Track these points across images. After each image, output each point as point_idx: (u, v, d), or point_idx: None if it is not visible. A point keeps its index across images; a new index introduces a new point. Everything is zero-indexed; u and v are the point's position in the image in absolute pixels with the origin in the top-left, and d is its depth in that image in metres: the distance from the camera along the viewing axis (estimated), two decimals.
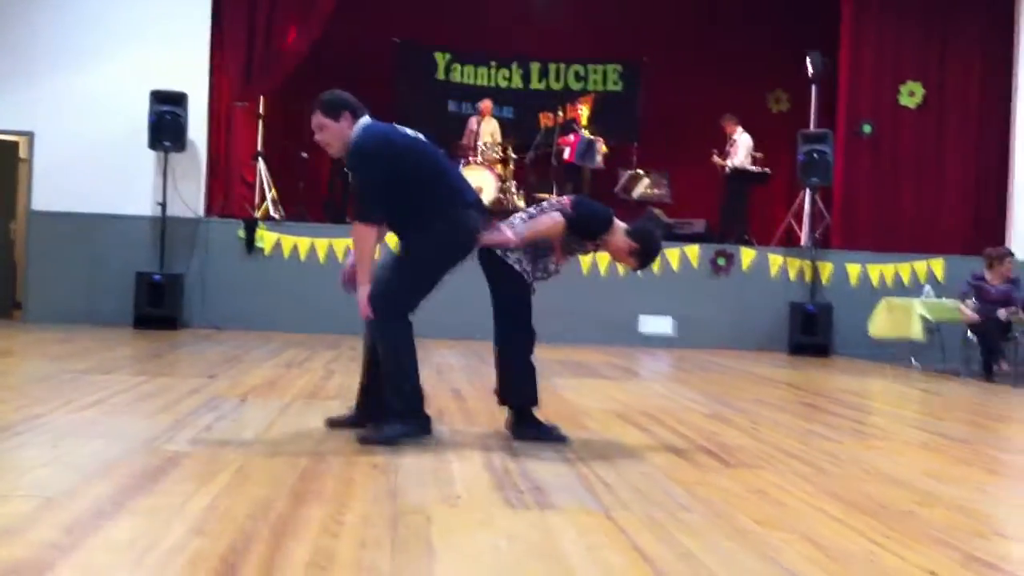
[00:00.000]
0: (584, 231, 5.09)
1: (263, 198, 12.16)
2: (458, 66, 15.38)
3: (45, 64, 11.42)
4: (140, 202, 11.37)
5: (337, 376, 7.54)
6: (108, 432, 4.87)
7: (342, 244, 11.29)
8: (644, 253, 5.11)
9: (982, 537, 3.70)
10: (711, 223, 13.00)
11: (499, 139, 13.28)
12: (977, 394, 8.78)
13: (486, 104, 13.57)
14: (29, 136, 11.60)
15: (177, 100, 11.19)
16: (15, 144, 12.19)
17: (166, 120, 11.09)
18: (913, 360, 10.56)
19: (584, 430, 5.56)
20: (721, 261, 11.88)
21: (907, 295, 11.25)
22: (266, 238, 11.49)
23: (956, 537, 3.60)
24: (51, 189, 11.34)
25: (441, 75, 15.32)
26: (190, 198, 11.47)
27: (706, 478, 4.43)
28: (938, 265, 12.10)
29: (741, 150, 12.72)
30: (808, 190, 12.41)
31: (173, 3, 11.68)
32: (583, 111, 13.61)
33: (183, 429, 4.97)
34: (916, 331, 10.27)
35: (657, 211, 12.81)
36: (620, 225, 5.12)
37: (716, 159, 12.80)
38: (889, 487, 4.39)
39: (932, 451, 5.49)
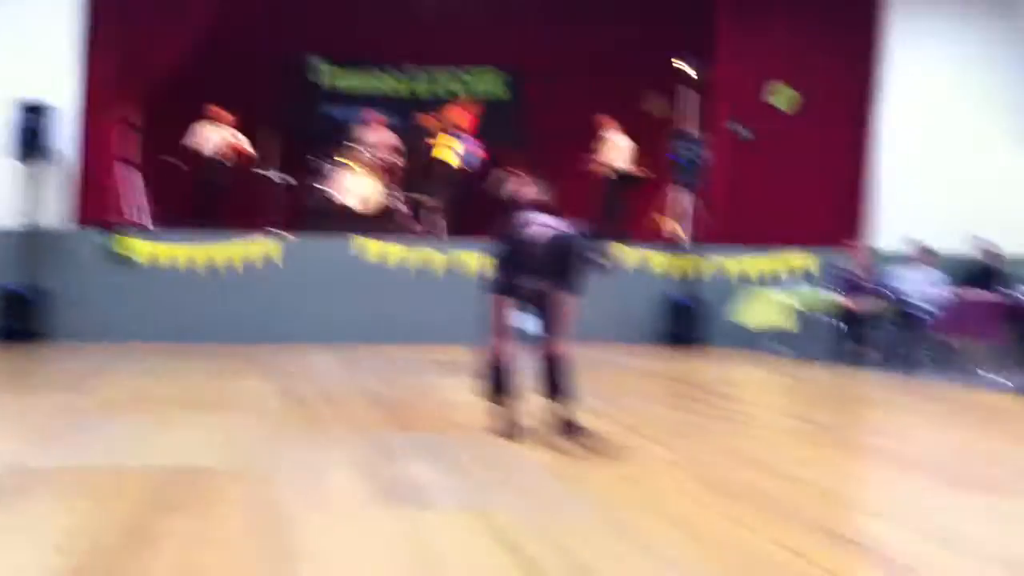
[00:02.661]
0: None
1: (132, 207, 11.84)
2: (340, 71, 15.24)
3: None
4: (5, 215, 10.95)
5: (216, 381, 7.39)
6: None
7: (212, 251, 11.15)
8: None
9: (843, 516, 3.84)
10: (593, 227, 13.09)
11: (397, 145, 13.15)
12: (843, 381, 9.08)
13: (373, 115, 13.48)
14: None
15: (43, 110, 10.83)
16: None
17: (31, 130, 10.71)
18: (784, 348, 10.89)
19: (463, 430, 5.57)
20: None
21: (783, 288, 11.63)
22: (136, 247, 11.19)
23: (819, 517, 3.72)
24: None
25: (322, 81, 15.16)
26: (58, 209, 11.11)
27: (584, 472, 4.48)
28: (811, 259, 12.45)
29: (613, 150, 12.91)
30: (682, 189, 12.64)
31: (42, 14, 11.29)
32: (465, 116, 13.63)
33: (49, 446, 4.82)
34: (787, 320, 10.70)
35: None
36: None
37: (595, 161, 12.94)
38: (757, 472, 4.51)
39: (798, 437, 5.66)
